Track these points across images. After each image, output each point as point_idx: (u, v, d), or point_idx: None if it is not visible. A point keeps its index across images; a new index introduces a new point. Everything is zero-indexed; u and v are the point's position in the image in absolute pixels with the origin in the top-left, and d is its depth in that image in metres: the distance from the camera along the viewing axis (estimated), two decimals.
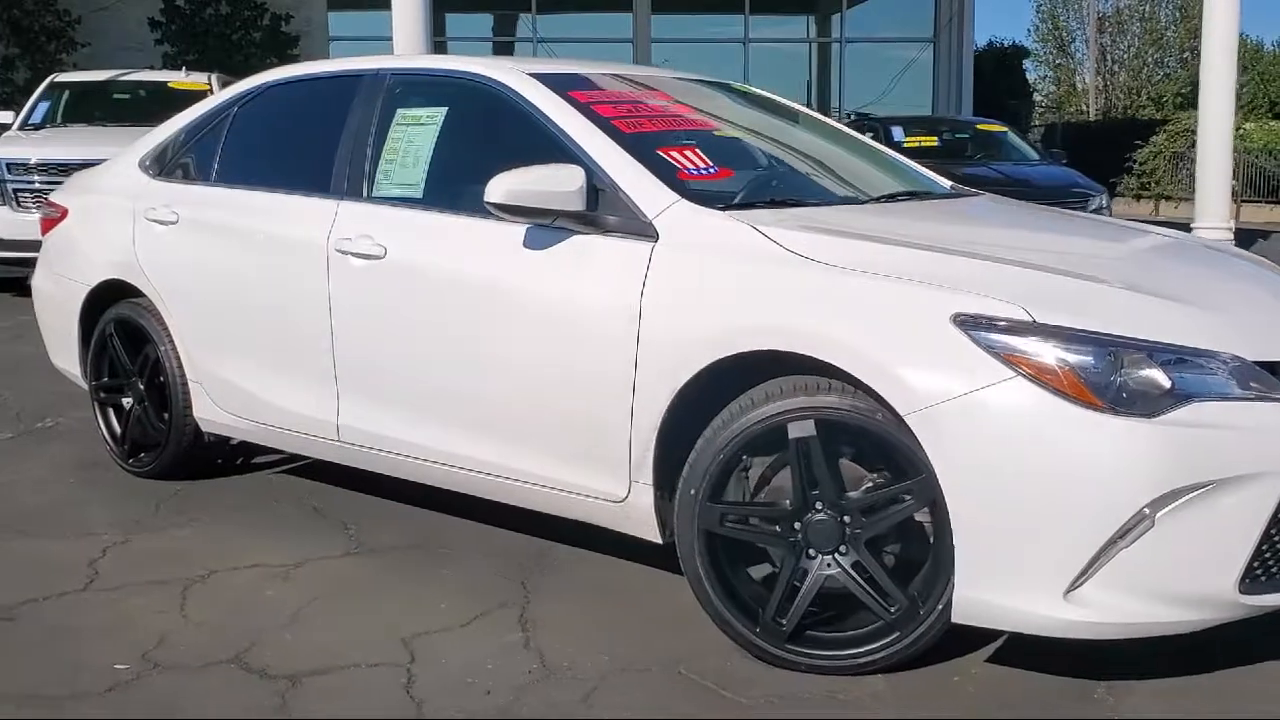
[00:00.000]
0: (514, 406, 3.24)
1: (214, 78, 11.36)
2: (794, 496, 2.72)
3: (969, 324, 2.53)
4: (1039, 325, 2.51)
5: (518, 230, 3.23)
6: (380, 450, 3.64)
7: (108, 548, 3.73)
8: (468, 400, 3.35)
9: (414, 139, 3.62)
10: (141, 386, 4.42)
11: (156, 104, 11.02)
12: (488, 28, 17.61)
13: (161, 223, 4.25)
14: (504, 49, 17.46)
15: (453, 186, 3.57)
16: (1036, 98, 35.10)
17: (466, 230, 3.38)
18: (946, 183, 3.99)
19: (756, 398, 2.73)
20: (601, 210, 3.08)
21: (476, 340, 3.30)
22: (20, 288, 10.12)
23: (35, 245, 9.35)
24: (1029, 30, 37.13)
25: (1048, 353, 2.48)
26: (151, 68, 13.78)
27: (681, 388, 2.86)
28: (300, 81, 4.18)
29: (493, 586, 3.37)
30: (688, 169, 3.18)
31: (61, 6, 14.97)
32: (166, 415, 4.34)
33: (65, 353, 4.79)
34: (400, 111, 3.70)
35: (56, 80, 11.15)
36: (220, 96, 4.38)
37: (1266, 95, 35.43)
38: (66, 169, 9.38)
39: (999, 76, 23.89)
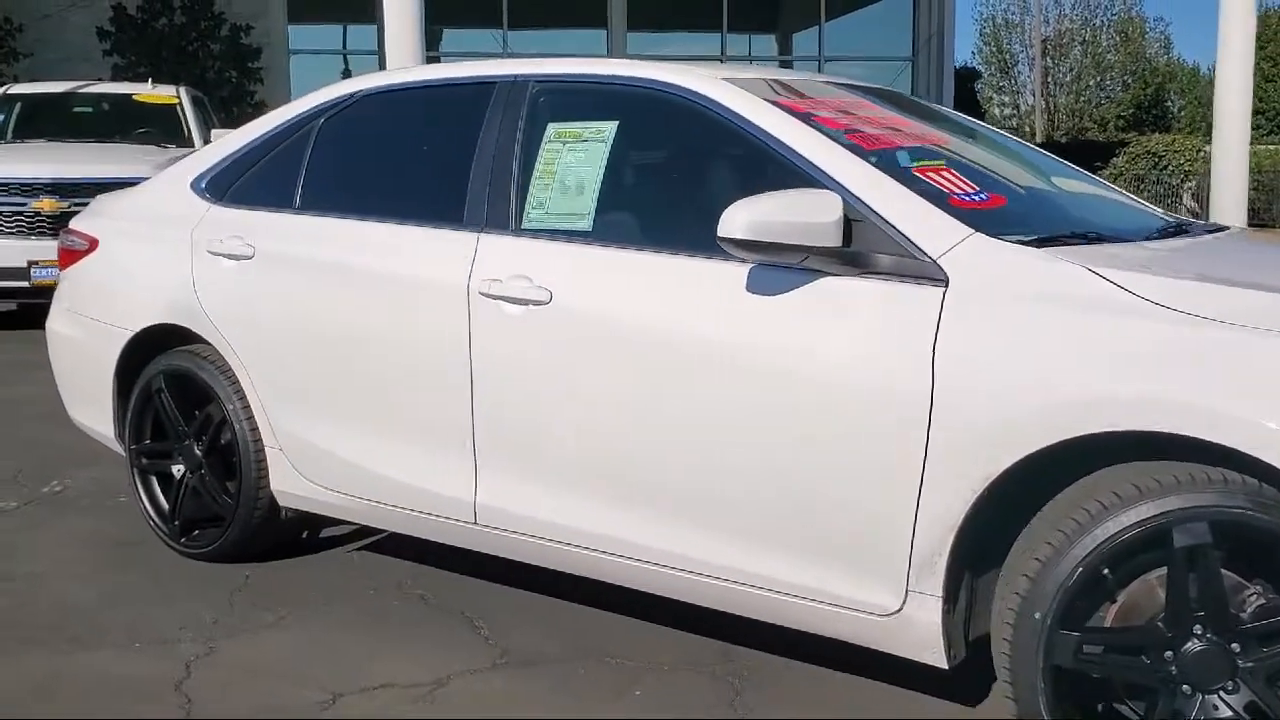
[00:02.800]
0: (734, 493, 2.61)
1: (183, 90, 10.55)
2: (1170, 619, 2.13)
3: None
4: None
5: (737, 272, 2.61)
6: (534, 537, 2.98)
7: (191, 661, 3.01)
8: (667, 483, 2.71)
9: (575, 159, 2.97)
10: (199, 452, 3.69)
11: (121, 118, 10.22)
12: (458, 43, 16.89)
13: (231, 257, 3.54)
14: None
15: (634, 217, 2.94)
16: (986, 120, 35.20)
17: (661, 271, 2.74)
18: (1158, 210, 3.45)
19: (1125, 494, 2.12)
20: (862, 246, 2.47)
21: (680, 409, 2.65)
22: None
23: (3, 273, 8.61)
24: (973, 53, 37.27)
25: None
26: (100, 79, 12.85)
27: (996, 478, 2.26)
28: (405, 90, 3.49)
29: (703, 707, 2.73)
30: (956, 194, 2.57)
31: (3, 14, 13.95)
32: (233, 486, 3.62)
33: (92, 409, 4.03)
34: (552, 126, 3.05)
35: (9, 93, 10.23)
36: (294, 108, 3.68)
37: (1204, 118, 35.97)
38: (31, 189, 8.59)
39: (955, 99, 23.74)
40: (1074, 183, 3.34)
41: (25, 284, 8.55)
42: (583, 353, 2.81)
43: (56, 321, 4.17)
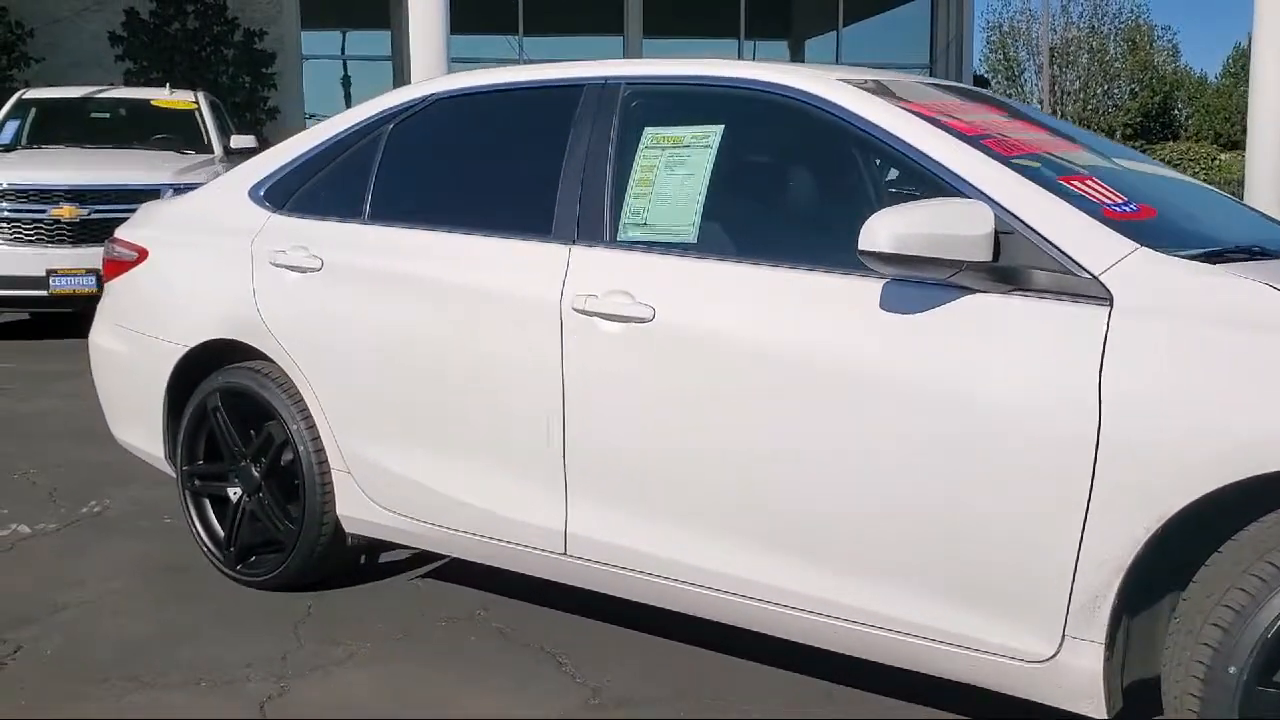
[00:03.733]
0: (863, 526, 2.41)
1: (201, 95, 10.36)
2: None
3: None
4: None
5: (867, 287, 2.41)
6: (632, 570, 2.78)
7: (265, 702, 2.81)
8: (786, 515, 2.51)
9: (676, 167, 2.78)
10: (257, 474, 3.49)
11: (138, 124, 10.03)
12: (472, 49, 16.71)
13: (296, 269, 3.34)
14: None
15: (743, 229, 2.76)
16: None
17: (776, 286, 2.55)
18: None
19: None
20: (1013, 261, 2.27)
21: (804, 434, 2.46)
22: None
23: (9, 281, 8.40)
24: (980, 60, 37.16)
25: None
26: (112, 84, 12.65)
27: (1171, 517, 2.06)
28: (481, 94, 3.29)
29: None
30: (1107, 204, 2.38)
31: (13, 18, 13.75)
32: (294, 511, 3.43)
33: (140, 428, 3.83)
34: (649, 131, 2.86)
35: (25, 97, 10.04)
36: (359, 113, 3.48)
37: (1211, 127, 35.87)
38: (50, 195, 8.40)
39: None
40: (1197, 191, 3.16)
41: (43, 293, 8.35)
42: (689, 374, 2.62)
43: (101, 335, 3.97)
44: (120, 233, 3.98)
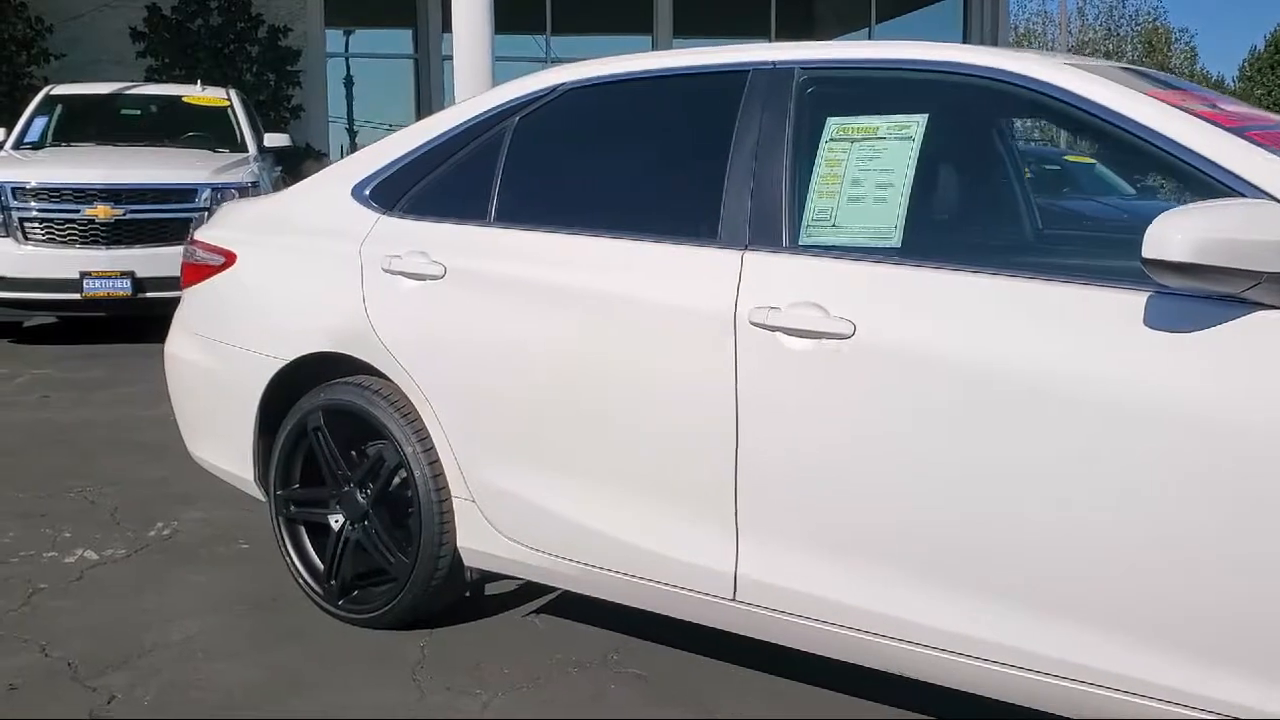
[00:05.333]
0: (1120, 578, 2.09)
1: (233, 93, 10.04)
2: None
3: None
4: None
5: (1124, 300, 2.10)
6: (814, 620, 2.46)
7: None
8: (1011, 561, 2.19)
9: (871, 161, 2.46)
10: (363, 500, 3.18)
11: (169, 121, 9.72)
12: (500, 48, 16.40)
13: (414, 276, 3.03)
14: (516, 69, 16.30)
15: (956, 231, 2.46)
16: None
17: (1006, 298, 2.22)
18: None
19: None
20: None
21: (1049, 474, 2.14)
22: (17, 333, 8.69)
23: (41, 284, 8.07)
24: None
25: None
26: (138, 82, 12.33)
27: None
28: (620, 82, 2.97)
29: None
30: None
31: (33, 14, 13.42)
32: (406, 541, 3.11)
33: (224, 447, 3.52)
34: (833, 122, 2.54)
35: (53, 93, 9.72)
36: (478, 105, 3.17)
37: None
38: (85, 195, 8.08)
39: None
40: None
41: (76, 296, 8.02)
42: (897, 400, 2.30)
43: (180, 346, 3.65)
44: (201, 235, 3.66)
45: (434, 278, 2.99)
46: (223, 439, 3.52)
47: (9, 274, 7.99)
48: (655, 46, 15.83)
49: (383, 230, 3.15)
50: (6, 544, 3.92)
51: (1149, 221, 2.00)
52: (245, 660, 3.04)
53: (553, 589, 3.34)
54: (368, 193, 3.25)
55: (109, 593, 3.50)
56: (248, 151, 9.29)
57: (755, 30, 16.59)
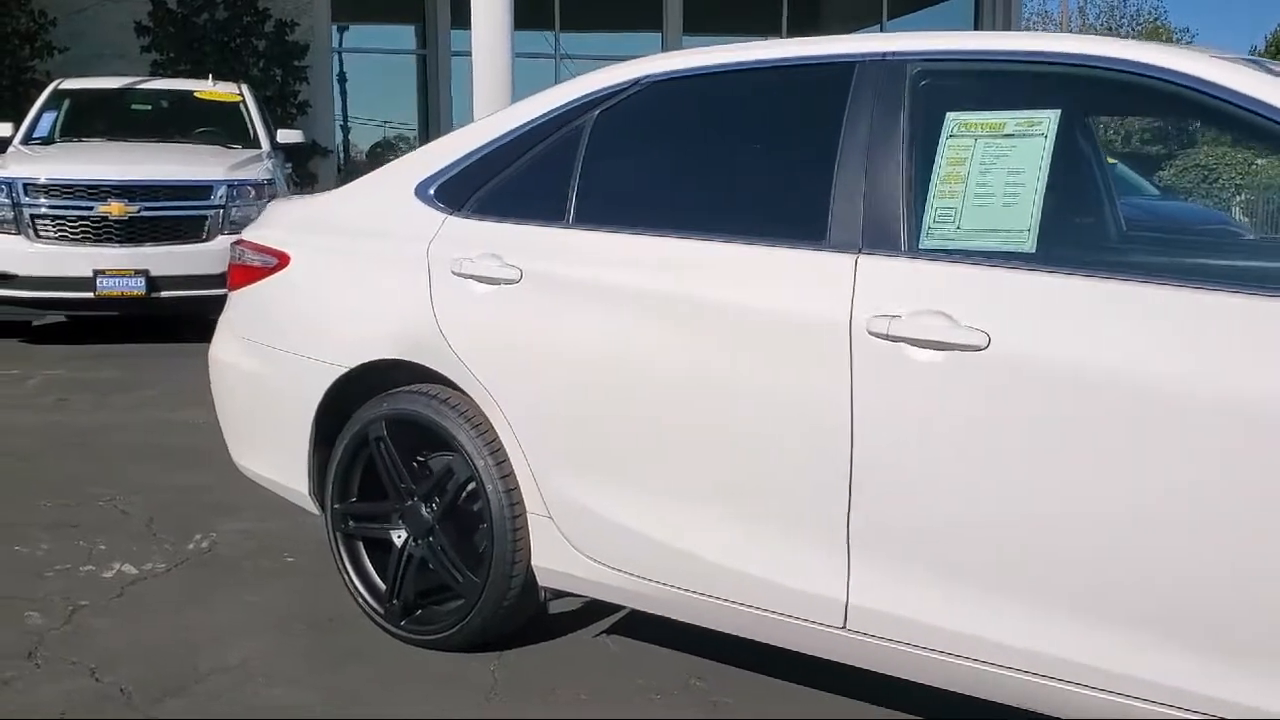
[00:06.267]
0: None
1: (245, 88, 9.85)
2: None
3: None
4: None
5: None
6: (936, 652, 2.29)
7: None
8: (1172, 594, 2.04)
9: (999, 160, 2.30)
10: (429, 515, 3.01)
11: (180, 116, 9.53)
12: None
13: (487, 280, 2.86)
14: (525, 66, 16.08)
15: (1097, 235, 2.31)
16: None
17: (1164, 310, 2.06)
18: None
19: None
20: None
21: (1213, 498, 1.98)
22: (27, 332, 8.49)
23: (53, 282, 7.87)
24: None
25: None
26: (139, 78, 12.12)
27: None
28: (709, 75, 2.80)
29: None
30: None
31: (36, 7, 13.19)
32: (478, 559, 2.94)
33: (276, 457, 3.34)
34: (952, 117, 2.38)
35: (61, 87, 9.50)
36: (551, 99, 2.99)
37: None
38: (98, 191, 7.89)
39: None
40: None
41: (89, 295, 7.82)
42: (1037, 416, 2.14)
43: (226, 351, 3.48)
44: (250, 235, 3.48)
45: (509, 282, 2.83)
46: (274, 449, 3.35)
47: (20, 272, 7.80)
48: (665, 44, 15.66)
49: (451, 231, 2.98)
50: (40, 557, 3.74)
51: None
52: (306, 685, 2.87)
53: (619, 607, 3.19)
54: (432, 192, 3.08)
55: (153, 610, 3.33)
56: (261, 148, 9.10)
57: (765, 28, 16.42)
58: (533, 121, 2.99)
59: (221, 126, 9.31)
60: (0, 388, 6.52)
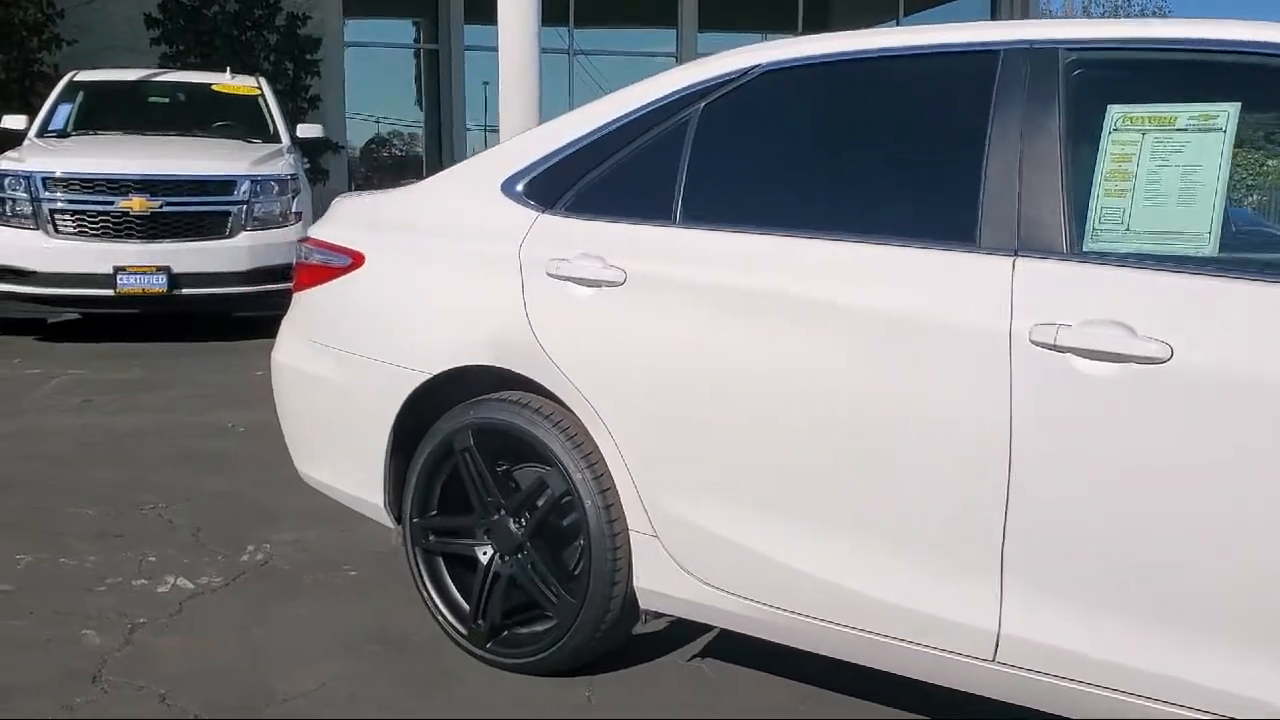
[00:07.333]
0: None
1: (263, 81, 9.65)
2: None
3: None
4: None
5: None
6: (1097, 688, 2.12)
7: None
8: None
9: (1171, 156, 2.12)
10: (519, 531, 2.83)
11: (197, 110, 9.33)
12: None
13: (587, 283, 2.68)
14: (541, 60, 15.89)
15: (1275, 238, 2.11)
16: None
17: None
18: None
19: None
20: None
21: None
22: (43, 330, 8.29)
23: (72, 279, 7.66)
24: None
25: None
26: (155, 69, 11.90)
27: None
28: (831, 63, 2.61)
29: None
30: None
31: None
32: (571, 578, 2.77)
33: (346, 466, 3.16)
34: (1115, 110, 2.20)
35: (76, 79, 9.29)
36: (651, 90, 2.80)
37: None
38: (120, 186, 7.69)
39: None
40: None
41: (109, 292, 7.63)
42: (1225, 437, 1.96)
43: (293, 355, 3.29)
44: (318, 234, 3.30)
45: (612, 284, 2.64)
46: (344, 457, 3.16)
47: (39, 268, 7.61)
48: (680, 41, 15.50)
49: (543, 231, 2.80)
50: (89, 569, 3.55)
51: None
52: (393, 712, 2.68)
53: (704, 629, 3.02)
54: (520, 188, 2.90)
55: (216, 628, 3.15)
56: (281, 142, 8.90)
57: (780, 25, 16.25)
58: (629, 115, 2.80)
59: (239, 120, 9.11)
60: (24, 389, 6.32)
